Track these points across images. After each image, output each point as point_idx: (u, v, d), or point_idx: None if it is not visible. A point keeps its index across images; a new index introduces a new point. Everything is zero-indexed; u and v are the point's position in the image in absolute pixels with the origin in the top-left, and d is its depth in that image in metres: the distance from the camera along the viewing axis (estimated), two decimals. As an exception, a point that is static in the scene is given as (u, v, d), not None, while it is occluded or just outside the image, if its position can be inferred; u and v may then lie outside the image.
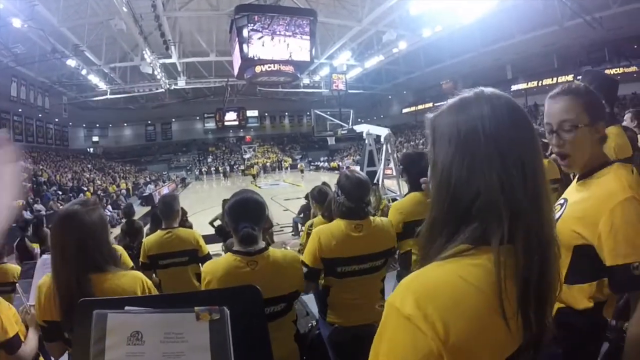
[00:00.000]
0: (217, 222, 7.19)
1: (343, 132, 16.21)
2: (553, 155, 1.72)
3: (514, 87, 26.87)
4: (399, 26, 18.64)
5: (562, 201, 1.43)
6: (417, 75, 29.56)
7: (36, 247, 5.60)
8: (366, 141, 12.55)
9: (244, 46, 14.33)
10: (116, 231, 8.82)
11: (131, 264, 2.96)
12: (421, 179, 2.55)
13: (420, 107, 33.82)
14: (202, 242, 3.16)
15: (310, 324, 2.52)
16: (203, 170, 40.61)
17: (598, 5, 15.89)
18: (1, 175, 0.53)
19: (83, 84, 24.96)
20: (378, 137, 11.87)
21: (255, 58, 14.75)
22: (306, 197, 5.13)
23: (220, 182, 33.58)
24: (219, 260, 1.80)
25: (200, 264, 3.06)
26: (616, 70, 20.22)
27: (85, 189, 20.75)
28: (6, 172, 0.54)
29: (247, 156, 39.08)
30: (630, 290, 1.24)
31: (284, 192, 20.21)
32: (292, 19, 14.94)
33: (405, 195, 2.82)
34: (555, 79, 24.02)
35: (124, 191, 24.07)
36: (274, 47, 14.84)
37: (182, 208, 3.49)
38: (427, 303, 0.60)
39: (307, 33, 15.28)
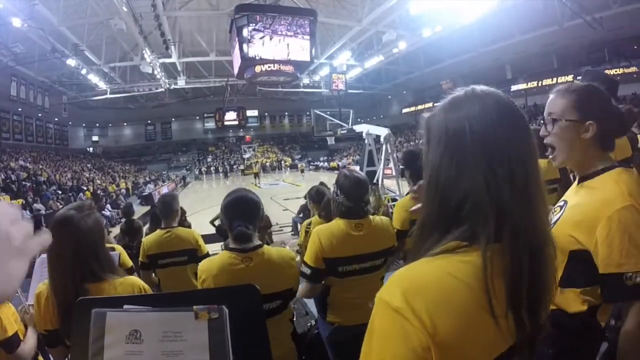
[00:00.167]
0: (218, 222, 7.18)
1: (343, 132, 16.21)
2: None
3: (514, 88, 26.88)
4: (398, 26, 18.65)
5: (562, 203, 1.42)
6: (416, 76, 29.60)
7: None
8: (366, 141, 12.56)
9: (244, 46, 14.32)
10: (115, 230, 8.82)
11: (130, 263, 2.96)
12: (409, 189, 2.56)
13: (419, 107, 33.78)
14: (201, 241, 3.15)
15: (309, 324, 2.52)
16: (203, 169, 40.63)
17: (598, 5, 15.90)
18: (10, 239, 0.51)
19: (83, 83, 24.97)
20: (378, 137, 11.88)
21: (256, 58, 14.74)
22: (305, 197, 5.12)
23: (220, 182, 33.57)
24: (214, 259, 1.81)
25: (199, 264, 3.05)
26: (616, 71, 20.22)
27: (85, 188, 20.72)
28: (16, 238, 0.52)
29: (246, 156, 39.07)
30: (622, 300, 1.23)
31: (284, 192, 20.20)
32: (294, 18, 14.94)
33: (408, 193, 2.81)
34: (555, 79, 24.01)
35: (123, 191, 24.05)
36: (274, 47, 14.83)
37: (181, 208, 3.49)
38: (414, 297, 0.60)
39: (307, 33, 15.28)
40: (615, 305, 1.32)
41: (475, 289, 0.62)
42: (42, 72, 22.78)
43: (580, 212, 1.29)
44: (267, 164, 40.80)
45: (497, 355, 0.64)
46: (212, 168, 41.24)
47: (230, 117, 37.83)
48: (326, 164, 39.02)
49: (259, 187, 24.15)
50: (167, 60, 22.02)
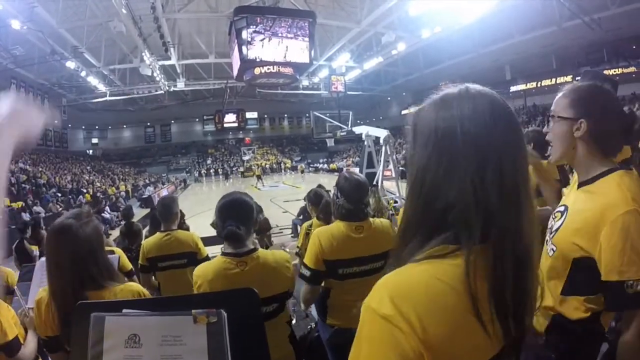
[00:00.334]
0: (218, 224, 7.17)
1: (342, 133, 16.23)
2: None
3: (513, 88, 26.95)
4: (397, 27, 18.66)
5: (562, 208, 1.40)
6: (416, 77, 29.60)
7: (35, 249, 5.58)
8: (365, 143, 12.59)
9: (243, 48, 14.33)
10: (115, 233, 8.81)
11: (130, 266, 2.96)
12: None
13: (419, 108, 33.74)
14: (200, 244, 3.15)
15: (309, 326, 2.51)
16: (202, 172, 40.65)
17: (596, 5, 15.92)
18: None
19: (82, 85, 24.94)
20: (377, 138, 11.89)
21: (255, 60, 14.75)
22: (305, 199, 5.12)
23: (219, 184, 33.58)
24: (209, 264, 1.80)
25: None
26: (615, 71, 20.24)
27: (85, 191, 20.74)
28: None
29: (246, 158, 39.13)
30: (623, 309, 1.19)
31: (284, 194, 20.21)
32: (294, 20, 14.95)
33: None
34: (554, 79, 24.08)
35: (123, 193, 24.05)
36: (273, 49, 14.84)
37: (180, 210, 3.49)
38: (402, 302, 0.59)
39: (306, 35, 15.30)
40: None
41: (461, 292, 0.60)
42: (41, 75, 22.76)
43: (582, 218, 1.27)
44: (267, 166, 40.83)
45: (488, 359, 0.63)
46: (211, 170, 41.26)
47: (230, 119, 37.93)
48: (326, 165, 39.06)
49: (259, 189, 24.14)
50: (167, 63, 22.02)
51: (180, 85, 25.77)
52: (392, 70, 30.12)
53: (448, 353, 0.58)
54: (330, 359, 2.20)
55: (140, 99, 31.59)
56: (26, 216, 12.66)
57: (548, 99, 24.24)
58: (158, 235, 3.10)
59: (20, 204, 14.67)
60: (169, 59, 20.95)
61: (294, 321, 3.60)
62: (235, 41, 14.62)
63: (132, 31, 15.83)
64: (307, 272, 2.07)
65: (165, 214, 3.12)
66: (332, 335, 2.14)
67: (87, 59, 19.65)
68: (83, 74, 20.93)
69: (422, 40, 19.02)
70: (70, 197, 18.59)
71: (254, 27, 14.25)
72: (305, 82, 27.54)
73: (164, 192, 23.20)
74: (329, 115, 17.62)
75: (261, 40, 14.48)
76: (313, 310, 2.69)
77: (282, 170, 40.68)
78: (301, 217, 8.63)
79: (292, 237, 9.54)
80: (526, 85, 26.62)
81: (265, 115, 46.99)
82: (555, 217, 1.40)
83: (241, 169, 39.15)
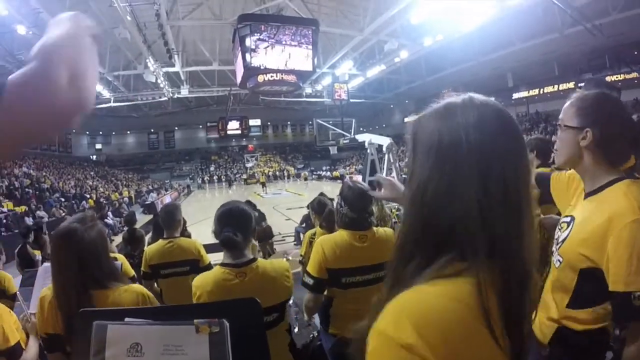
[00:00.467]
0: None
1: (345, 141, 16.24)
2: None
3: (515, 96, 26.98)
4: (400, 35, 18.75)
5: (568, 219, 1.39)
6: (418, 84, 29.68)
7: (37, 254, 5.59)
8: (368, 150, 12.58)
9: (247, 55, 14.40)
10: (118, 239, 8.81)
11: (132, 273, 2.96)
12: None
13: (422, 115, 33.80)
14: (203, 251, 3.15)
15: (311, 335, 2.50)
16: (205, 178, 40.73)
17: (598, 12, 15.93)
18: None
19: (87, 92, 25.09)
20: (380, 146, 11.89)
21: (259, 67, 14.83)
22: (308, 207, 5.11)
23: (222, 191, 33.60)
24: (208, 274, 1.80)
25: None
26: (617, 77, 20.30)
27: (88, 196, 20.81)
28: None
29: (249, 165, 39.19)
30: (629, 320, 1.17)
31: (286, 202, 20.19)
32: (298, 28, 15.05)
33: None
34: (556, 86, 24.12)
35: (126, 199, 24.13)
36: (277, 56, 14.92)
37: (182, 218, 3.49)
38: (427, 329, 0.53)
39: (310, 42, 15.37)
40: None
41: (475, 309, 0.57)
42: (46, 81, 22.95)
43: (589, 228, 1.25)
44: (270, 173, 40.88)
45: None
46: (214, 177, 41.35)
47: (233, 126, 37.97)
48: (329, 173, 39.09)
49: (262, 196, 24.12)
50: (171, 69, 22.19)
51: (184, 92, 25.92)
52: (394, 78, 30.20)
53: None
54: (332, 368, 2.18)
55: (144, 105, 31.71)
56: (29, 221, 12.70)
57: (551, 105, 24.30)
58: (161, 242, 3.10)
59: (23, 208, 14.74)
60: (173, 65, 21.12)
61: (295, 329, 3.58)
62: (239, 49, 14.69)
63: (136, 38, 15.96)
64: (310, 281, 2.07)
65: (168, 222, 3.13)
66: (335, 344, 2.13)
67: (92, 65, 19.78)
68: (88, 80, 21.05)
69: (424, 48, 19.09)
70: (73, 202, 18.66)
71: (258, 34, 14.32)
72: (308, 90, 27.64)
73: (167, 199, 23.24)
74: (332, 122, 17.65)
75: (265, 47, 14.54)
76: (316, 318, 2.68)
77: (285, 178, 40.70)
78: (304, 225, 8.61)
79: (294, 244, 9.52)
80: (528, 92, 26.63)
81: (269, 123, 47.13)
82: (562, 227, 1.39)
83: (244, 176, 39.19)
